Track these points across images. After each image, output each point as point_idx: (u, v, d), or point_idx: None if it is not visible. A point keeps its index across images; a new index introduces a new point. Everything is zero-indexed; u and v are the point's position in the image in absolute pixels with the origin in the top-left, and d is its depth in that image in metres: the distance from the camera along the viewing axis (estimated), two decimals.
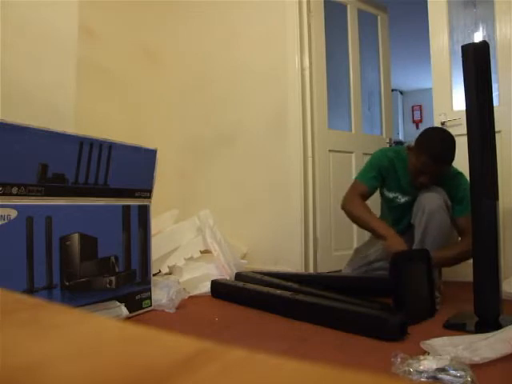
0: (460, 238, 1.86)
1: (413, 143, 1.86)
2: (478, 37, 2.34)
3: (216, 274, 2.15)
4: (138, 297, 1.70)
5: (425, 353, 1.12)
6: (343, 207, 2.00)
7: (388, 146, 3.00)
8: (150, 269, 1.78)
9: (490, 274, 1.40)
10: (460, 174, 1.88)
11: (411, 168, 1.84)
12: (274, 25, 2.63)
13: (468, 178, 1.84)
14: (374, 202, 2.18)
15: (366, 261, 2.04)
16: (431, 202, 1.75)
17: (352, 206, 1.94)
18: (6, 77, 2.02)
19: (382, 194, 2.07)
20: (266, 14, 2.67)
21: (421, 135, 1.84)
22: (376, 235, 1.91)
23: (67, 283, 1.42)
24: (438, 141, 1.76)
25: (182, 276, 2.09)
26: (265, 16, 2.68)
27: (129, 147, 1.69)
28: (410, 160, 1.86)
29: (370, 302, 1.64)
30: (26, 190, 1.31)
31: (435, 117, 2.42)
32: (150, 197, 1.79)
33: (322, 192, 2.57)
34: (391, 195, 1.97)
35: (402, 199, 1.94)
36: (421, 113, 6.79)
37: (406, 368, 1.00)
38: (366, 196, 1.96)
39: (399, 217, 1.98)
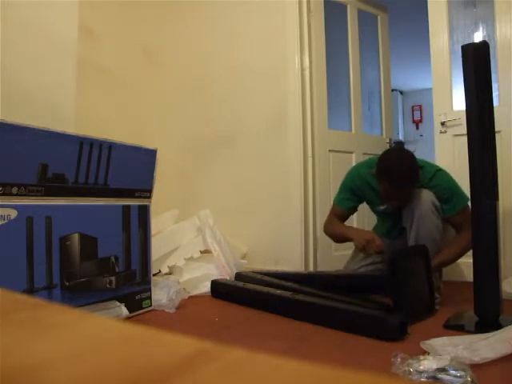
0: (457, 233, 1.85)
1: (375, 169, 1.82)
2: (478, 37, 2.33)
3: (216, 274, 2.15)
4: (138, 297, 1.70)
5: (425, 353, 1.12)
6: (325, 232, 2.08)
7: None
8: (150, 269, 1.78)
9: (490, 274, 1.40)
10: (438, 171, 1.84)
11: (381, 193, 1.83)
12: (274, 25, 2.63)
13: (449, 173, 1.85)
14: (370, 215, 2.25)
15: (365, 261, 2.04)
16: (420, 205, 1.74)
17: (330, 227, 2.03)
18: (5, 77, 2.02)
19: (372, 211, 2.10)
20: (266, 13, 2.67)
21: (377, 163, 1.80)
22: (348, 240, 1.95)
23: (67, 283, 1.42)
24: (393, 165, 1.73)
25: (182, 276, 2.09)
26: (265, 16, 2.68)
27: (129, 147, 1.69)
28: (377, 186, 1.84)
29: (369, 301, 1.64)
30: (26, 190, 1.31)
31: (435, 117, 2.42)
32: (150, 197, 1.79)
33: (322, 192, 2.57)
34: (381, 208, 1.97)
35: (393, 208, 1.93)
36: (421, 113, 6.78)
37: (406, 368, 1.00)
38: (343, 217, 2.03)
39: (393, 224, 1.99)
